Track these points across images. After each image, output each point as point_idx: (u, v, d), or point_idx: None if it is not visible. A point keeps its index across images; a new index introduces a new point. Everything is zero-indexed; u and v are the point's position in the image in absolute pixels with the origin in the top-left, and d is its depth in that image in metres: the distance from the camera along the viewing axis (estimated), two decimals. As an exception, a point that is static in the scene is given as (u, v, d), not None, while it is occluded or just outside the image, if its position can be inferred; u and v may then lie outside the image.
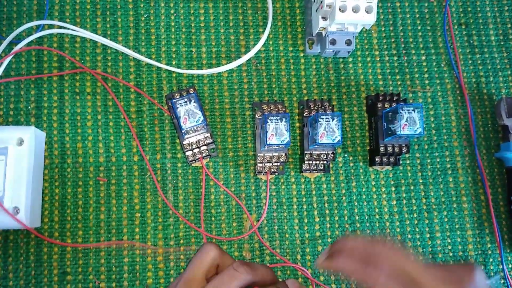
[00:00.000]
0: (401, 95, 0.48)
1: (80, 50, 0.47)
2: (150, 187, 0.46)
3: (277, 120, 0.42)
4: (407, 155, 0.48)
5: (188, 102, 0.41)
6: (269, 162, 0.45)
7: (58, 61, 0.47)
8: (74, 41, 0.48)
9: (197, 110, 0.42)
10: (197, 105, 0.42)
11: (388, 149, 0.45)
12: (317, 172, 0.46)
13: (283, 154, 0.45)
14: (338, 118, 0.42)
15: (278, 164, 0.45)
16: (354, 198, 0.47)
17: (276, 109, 0.45)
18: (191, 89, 0.44)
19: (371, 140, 0.47)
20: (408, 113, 0.41)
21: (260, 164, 0.45)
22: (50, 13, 0.48)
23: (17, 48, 0.46)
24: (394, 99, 0.46)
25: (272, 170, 0.45)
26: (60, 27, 0.47)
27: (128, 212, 0.45)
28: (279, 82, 0.49)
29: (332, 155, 0.45)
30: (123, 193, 0.45)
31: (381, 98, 0.46)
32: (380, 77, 0.49)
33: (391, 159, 0.45)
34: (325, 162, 0.45)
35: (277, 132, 0.42)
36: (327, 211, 0.46)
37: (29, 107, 0.46)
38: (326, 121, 0.42)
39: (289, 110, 0.48)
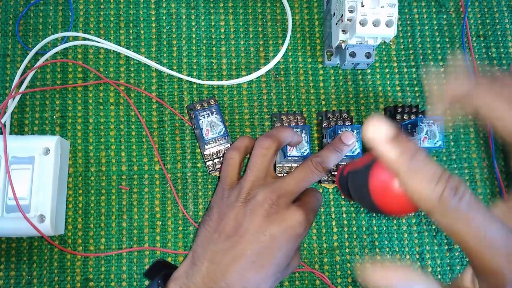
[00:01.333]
0: (419, 106, 0.48)
1: (104, 61, 0.49)
2: (171, 196, 0.46)
3: (297, 132, 0.42)
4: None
5: (210, 114, 0.42)
6: (288, 173, 0.45)
7: (83, 72, 0.48)
8: (98, 53, 0.49)
9: (219, 122, 0.42)
10: (219, 116, 0.43)
11: None
12: (335, 183, 0.46)
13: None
14: (358, 130, 0.42)
15: None
16: (372, 209, 0.47)
17: (295, 120, 0.46)
18: (212, 100, 0.45)
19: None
20: (428, 126, 0.42)
21: (280, 175, 0.45)
22: (74, 25, 0.49)
23: (41, 60, 0.48)
24: (413, 111, 0.46)
25: None
26: (85, 38, 0.49)
27: (149, 220, 0.46)
28: (297, 93, 0.49)
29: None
30: (145, 201, 0.46)
31: (399, 109, 0.46)
32: (398, 88, 0.50)
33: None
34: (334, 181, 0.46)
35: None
36: (345, 222, 0.47)
37: (54, 117, 0.47)
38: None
39: (308, 121, 0.48)
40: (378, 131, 0.20)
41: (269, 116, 0.49)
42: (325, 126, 0.46)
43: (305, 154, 0.42)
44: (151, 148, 0.47)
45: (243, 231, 0.35)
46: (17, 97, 0.47)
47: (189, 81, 0.49)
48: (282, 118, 0.46)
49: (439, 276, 0.46)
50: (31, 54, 0.48)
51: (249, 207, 0.36)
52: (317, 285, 0.45)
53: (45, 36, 0.49)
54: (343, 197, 0.47)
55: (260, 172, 0.38)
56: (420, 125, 0.42)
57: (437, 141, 0.42)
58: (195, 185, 0.47)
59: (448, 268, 0.46)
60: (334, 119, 0.46)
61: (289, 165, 0.45)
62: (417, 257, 0.46)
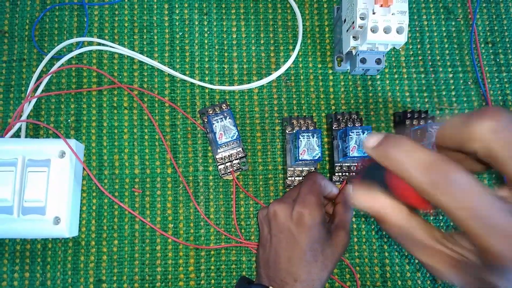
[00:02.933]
0: (428, 112, 0.49)
1: (118, 66, 0.50)
2: (183, 199, 0.47)
3: (309, 136, 0.43)
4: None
5: (224, 119, 0.43)
6: (299, 176, 0.46)
7: (97, 76, 0.49)
8: (112, 57, 0.50)
9: (232, 126, 0.43)
10: (232, 121, 0.44)
11: None
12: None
13: (313, 168, 0.46)
14: (369, 131, 0.43)
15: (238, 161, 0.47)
16: (382, 213, 0.47)
17: (306, 124, 0.46)
18: (224, 105, 0.46)
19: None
20: (357, 135, 0.43)
21: (291, 178, 0.46)
22: (89, 30, 0.50)
23: (57, 65, 0.49)
24: (422, 116, 0.47)
25: (235, 167, 0.47)
26: (99, 44, 0.50)
27: (162, 222, 0.47)
28: (308, 98, 0.50)
29: (314, 170, 0.46)
30: (157, 204, 0.47)
31: (409, 115, 0.47)
32: (407, 94, 0.50)
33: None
34: (355, 174, 0.46)
35: (309, 148, 0.43)
36: (355, 226, 0.47)
37: (69, 121, 0.48)
38: (356, 134, 0.43)
39: (318, 126, 0.49)
40: (370, 140, 0.22)
41: (279, 121, 0.49)
42: (335, 127, 0.47)
43: (316, 158, 0.43)
44: (163, 151, 0.48)
45: (270, 238, 0.41)
46: (33, 101, 0.48)
47: (201, 86, 0.49)
48: (293, 122, 0.47)
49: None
50: (46, 58, 0.49)
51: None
52: (326, 287, 0.46)
53: (60, 41, 0.50)
54: None
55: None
56: (430, 131, 0.42)
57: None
58: (207, 189, 0.47)
59: (457, 272, 0.46)
60: (344, 120, 0.47)
61: (300, 168, 0.46)
62: (426, 261, 0.46)
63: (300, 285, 0.38)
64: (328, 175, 0.48)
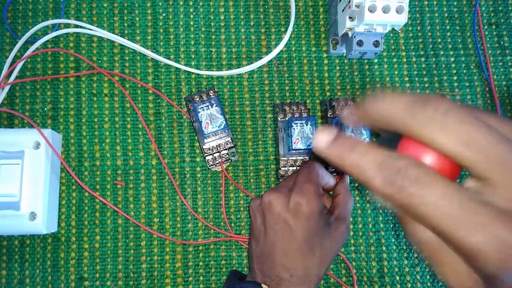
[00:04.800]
0: None
1: (97, 50, 0.46)
2: (169, 192, 0.44)
3: (302, 124, 0.40)
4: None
5: (210, 106, 0.40)
6: (293, 166, 0.43)
7: (75, 61, 0.46)
8: (91, 41, 0.46)
9: (219, 115, 0.40)
10: (219, 109, 0.41)
11: None
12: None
13: (308, 157, 0.43)
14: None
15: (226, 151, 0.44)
16: (379, 205, 0.45)
17: (299, 111, 0.44)
18: (211, 91, 0.43)
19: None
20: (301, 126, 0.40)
21: (284, 168, 0.43)
22: (66, 11, 0.47)
23: (32, 49, 0.45)
24: None
25: (223, 158, 0.44)
26: (77, 26, 0.46)
27: (146, 217, 0.44)
28: (301, 84, 0.47)
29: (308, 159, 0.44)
30: (141, 197, 0.44)
31: None
32: (407, 79, 0.47)
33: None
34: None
35: (303, 136, 0.40)
36: (351, 219, 0.45)
37: (46, 109, 0.45)
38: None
39: (312, 113, 0.46)
40: (319, 140, 0.21)
41: (271, 108, 0.46)
42: (330, 115, 0.44)
43: (311, 147, 0.40)
44: (147, 141, 0.45)
45: (264, 230, 0.38)
46: (6, 88, 0.45)
47: (187, 71, 0.46)
48: (285, 109, 0.44)
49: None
50: (20, 42, 0.45)
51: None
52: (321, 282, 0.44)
53: (35, 23, 0.46)
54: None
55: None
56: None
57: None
58: (194, 181, 0.45)
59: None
60: (339, 107, 0.44)
61: (294, 158, 0.43)
62: (425, 255, 0.44)
63: (296, 280, 0.35)
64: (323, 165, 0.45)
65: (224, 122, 0.40)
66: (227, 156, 0.44)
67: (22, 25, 0.46)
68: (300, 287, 0.35)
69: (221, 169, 0.44)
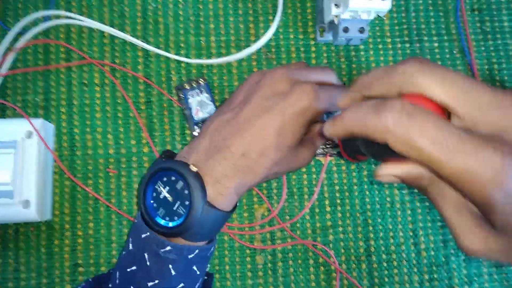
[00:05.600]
0: None
1: (87, 41, 0.47)
2: (161, 179, 0.45)
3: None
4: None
5: (200, 93, 0.41)
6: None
7: (66, 52, 0.46)
8: (81, 32, 0.47)
9: (208, 101, 0.41)
10: (209, 96, 0.42)
11: None
12: (331, 156, 0.45)
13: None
14: None
15: None
16: (366, 187, 0.46)
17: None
18: (201, 79, 0.44)
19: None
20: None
21: None
22: (56, 3, 0.47)
23: (23, 41, 0.46)
24: None
25: None
26: (67, 17, 0.47)
27: (139, 203, 0.45)
28: None
29: None
30: (134, 184, 0.45)
31: None
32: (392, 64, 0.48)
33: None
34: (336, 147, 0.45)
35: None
36: (338, 201, 0.46)
37: (37, 99, 0.46)
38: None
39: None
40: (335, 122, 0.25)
41: (260, 95, 0.47)
42: None
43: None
44: (139, 130, 0.46)
45: (248, 100, 0.34)
46: (-3, 79, 0.45)
47: (177, 60, 0.47)
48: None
49: (433, 253, 0.45)
50: (10, 34, 0.46)
51: (260, 82, 0.35)
52: (310, 256, 0.45)
53: (25, 14, 0.47)
54: (347, 161, 0.46)
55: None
56: None
57: None
58: None
59: (442, 245, 0.46)
60: None
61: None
62: (411, 234, 0.46)
63: (245, 161, 0.32)
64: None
65: (214, 108, 0.41)
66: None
67: (12, 17, 0.47)
68: (241, 173, 0.32)
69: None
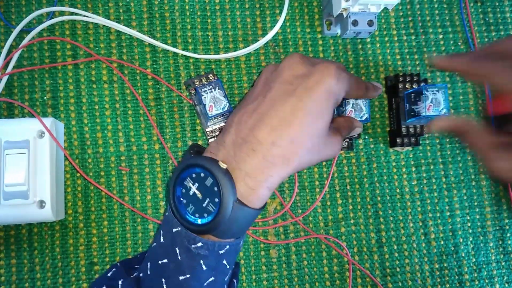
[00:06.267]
0: (420, 74, 0.48)
1: (93, 37, 0.46)
2: (173, 175, 0.45)
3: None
4: (427, 135, 0.48)
5: (213, 89, 0.41)
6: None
7: (72, 49, 0.46)
8: (87, 28, 0.46)
9: (222, 98, 0.41)
10: (222, 92, 0.42)
11: (410, 130, 0.45)
12: (341, 149, 0.46)
13: None
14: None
15: None
16: (376, 179, 0.47)
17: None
18: (211, 75, 0.44)
19: (392, 121, 0.47)
20: (433, 94, 0.41)
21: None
22: (60, -1, 0.46)
23: (27, 38, 0.45)
24: (414, 79, 0.46)
25: None
26: (72, 13, 0.46)
27: (152, 200, 0.45)
28: None
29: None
30: (146, 182, 0.45)
31: (401, 78, 0.46)
32: (398, 57, 0.49)
33: (412, 140, 0.46)
34: (349, 139, 0.46)
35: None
36: (349, 193, 0.47)
37: (45, 98, 0.45)
38: (353, 98, 0.42)
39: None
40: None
41: (269, 90, 0.47)
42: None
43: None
44: (149, 127, 0.46)
45: (270, 87, 0.33)
46: (4, 79, 0.44)
47: (184, 55, 0.47)
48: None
49: (442, 242, 0.47)
50: (15, 32, 0.45)
51: (278, 69, 0.34)
52: (323, 249, 0.46)
53: (29, 12, 0.46)
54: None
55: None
56: (425, 94, 0.42)
57: (442, 109, 0.41)
58: None
59: (451, 234, 0.47)
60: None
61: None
62: (420, 224, 0.47)
63: (276, 150, 0.30)
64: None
65: (228, 104, 0.41)
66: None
67: (16, 14, 0.46)
68: (272, 165, 0.31)
69: (223, 151, 0.45)
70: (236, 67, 0.47)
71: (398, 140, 0.46)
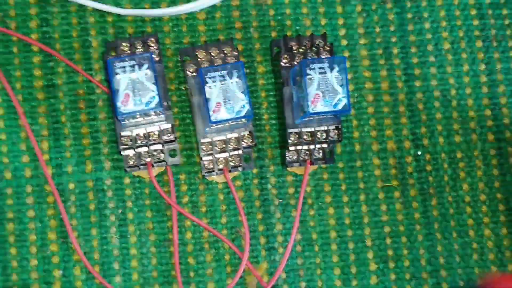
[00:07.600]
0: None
1: None
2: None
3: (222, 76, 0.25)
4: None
5: (137, 67, 0.22)
6: (224, 151, 0.28)
7: None
8: None
9: (149, 84, 0.22)
10: (151, 73, 0.23)
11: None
12: (314, 164, 0.30)
13: (246, 133, 0.28)
14: (342, 66, 0.26)
15: (241, 152, 0.28)
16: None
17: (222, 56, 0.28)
18: (151, 40, 0.27)
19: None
20: (320, 73, 0.26)
21: (208, 158, 0.27)
22: None
23: None
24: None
25: (232, 163, 0.28)
26: None
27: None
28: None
29: (337, 132, 0.28)
30: (31, 235, 0.27)
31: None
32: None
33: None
34: (325, 145, 0.29)
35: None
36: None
37: None
38: (320, 73, 0.25)
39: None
40: None
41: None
42: (285, 64, 0.29)
43: (242, 113, 0.25)
44: (37, 137, 0.27)
45: None
46: None
47: (99, 10, 0.29)
48: (197, 55, 0.28)
49: None
50: None
51: None
52: None
53: None
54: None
55: None
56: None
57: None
58: (121, 202, 0.28)
59: None
60: (301, 50, 0.29)
61: (222, 137, 0.27)
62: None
63: None
64: (279, 148, 0.30)
65: (157, 96, 0.22)
66: (159, 156, 0.27)
67: None
68: None
69: (149, 176, 0.27)
70: (191, 31, 0.30)
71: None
